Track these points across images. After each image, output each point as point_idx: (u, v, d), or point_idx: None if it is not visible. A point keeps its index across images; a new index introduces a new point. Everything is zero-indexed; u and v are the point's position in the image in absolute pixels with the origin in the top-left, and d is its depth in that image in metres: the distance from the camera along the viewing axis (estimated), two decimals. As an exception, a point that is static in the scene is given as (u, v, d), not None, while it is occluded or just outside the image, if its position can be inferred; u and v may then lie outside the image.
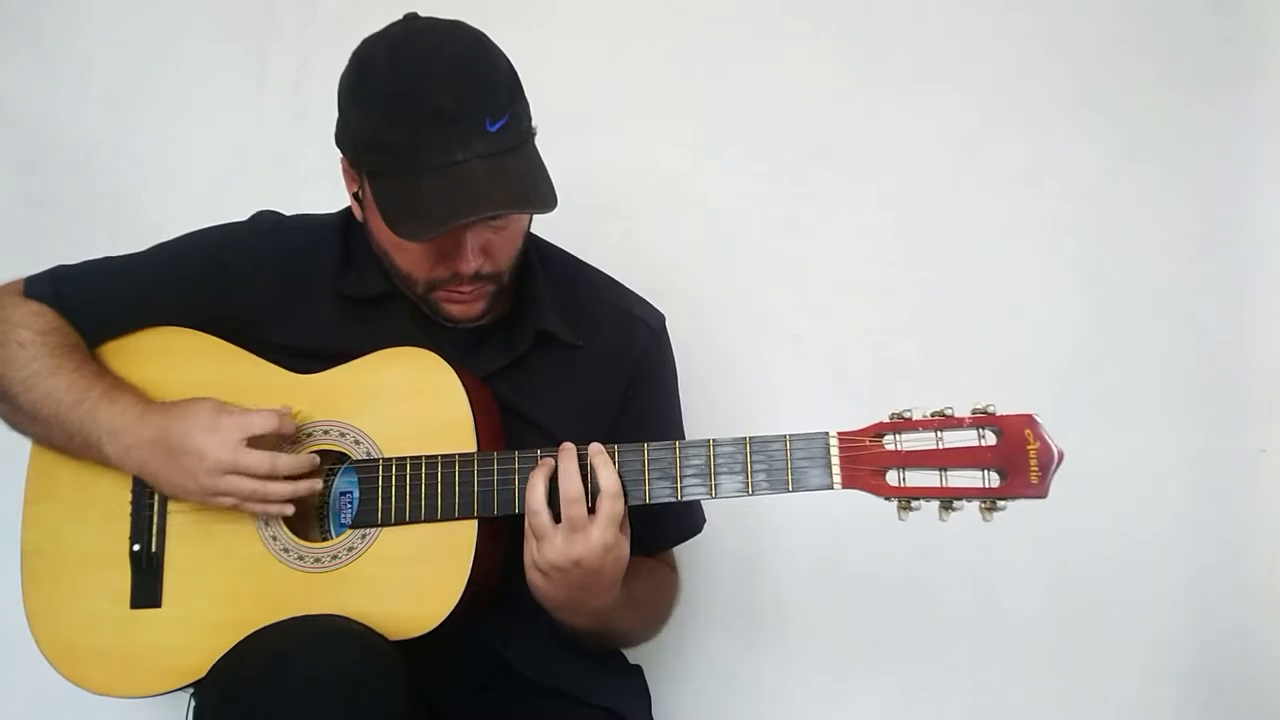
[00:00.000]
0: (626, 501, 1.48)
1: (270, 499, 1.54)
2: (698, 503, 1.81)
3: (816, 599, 2.13)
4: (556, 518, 1.46)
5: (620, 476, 1.48)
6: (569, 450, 1.49)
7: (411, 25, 1.53)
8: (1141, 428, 2.09)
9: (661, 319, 1.78)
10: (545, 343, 1.67)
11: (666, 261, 2.17)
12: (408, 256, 1.56)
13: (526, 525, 1.48)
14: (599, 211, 2.15)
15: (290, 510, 1.56)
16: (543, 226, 1.67)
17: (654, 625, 1.76)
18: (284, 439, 1.57)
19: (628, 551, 1.50)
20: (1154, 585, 2.05)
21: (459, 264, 1.53)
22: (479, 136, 1.46)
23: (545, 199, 1.48)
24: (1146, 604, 2.05)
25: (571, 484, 1.46)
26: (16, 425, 1.67)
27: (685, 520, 1.80)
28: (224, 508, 1.56)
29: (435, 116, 1.44)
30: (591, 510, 1.46)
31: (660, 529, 1.77)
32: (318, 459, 1.58)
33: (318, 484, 1.57)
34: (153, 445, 1.55)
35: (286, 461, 1.54)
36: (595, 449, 1.49)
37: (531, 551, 1.48)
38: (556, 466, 1.48)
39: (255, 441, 1.53)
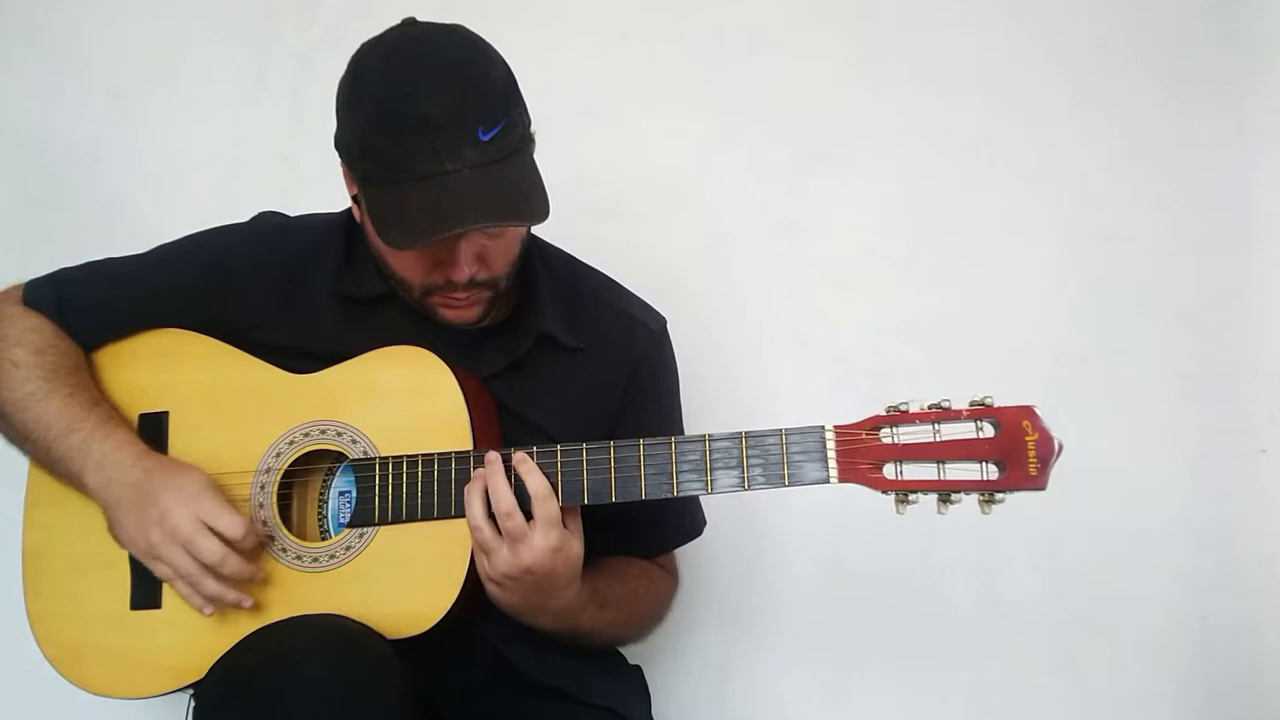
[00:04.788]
0: (560, 500, 1.48)
1: (200, 590, 1.53)
2: (698, 505, 1.81)
3: (816, 598, 2.12)
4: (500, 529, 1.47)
5: (549, 477, 1.48)
6: (494, 462, 1.49)
7: (407, 31, 1.52)
8: (1141, 428, 2.08)
9: (663, 322, 1.78)
10: (545, 345, 1.67)
11: (667, 262, 2.16)
12: (402, 262, 1.55)
13: (472, 541, 1.50)
14: (600, 212, 2.15)
15: (209, 611, 1.54)
16: (544, 228, 1.67)
17: (636, 626, 1.75)
18: (241, 552, 1.54)
19: (579, 550, 1.51)
20: (1154, 585, 2.05)
21: (452, 272, 1.53)
22: (470, 145, 1.44)
23: (536, 210, 1.48)
24: (1146, 604, 2.05)
25: (501, 498, 1.46)
26: (11, 442, 1.68)
27: (686, 522, 1.80)
28: (157, 573, 1.55)
29: (425, 125, 1.43)
30: (530, 516, 1.46)
31: (659, 531, 1.77)
32: (261, 571, 1.56)
33: (247, 600, 1.54)
34: (133, 487, 1.55)
35: (234, 565, 1.52)
36: (519, 457, 1.49)
37: (482, 565, 1.49)
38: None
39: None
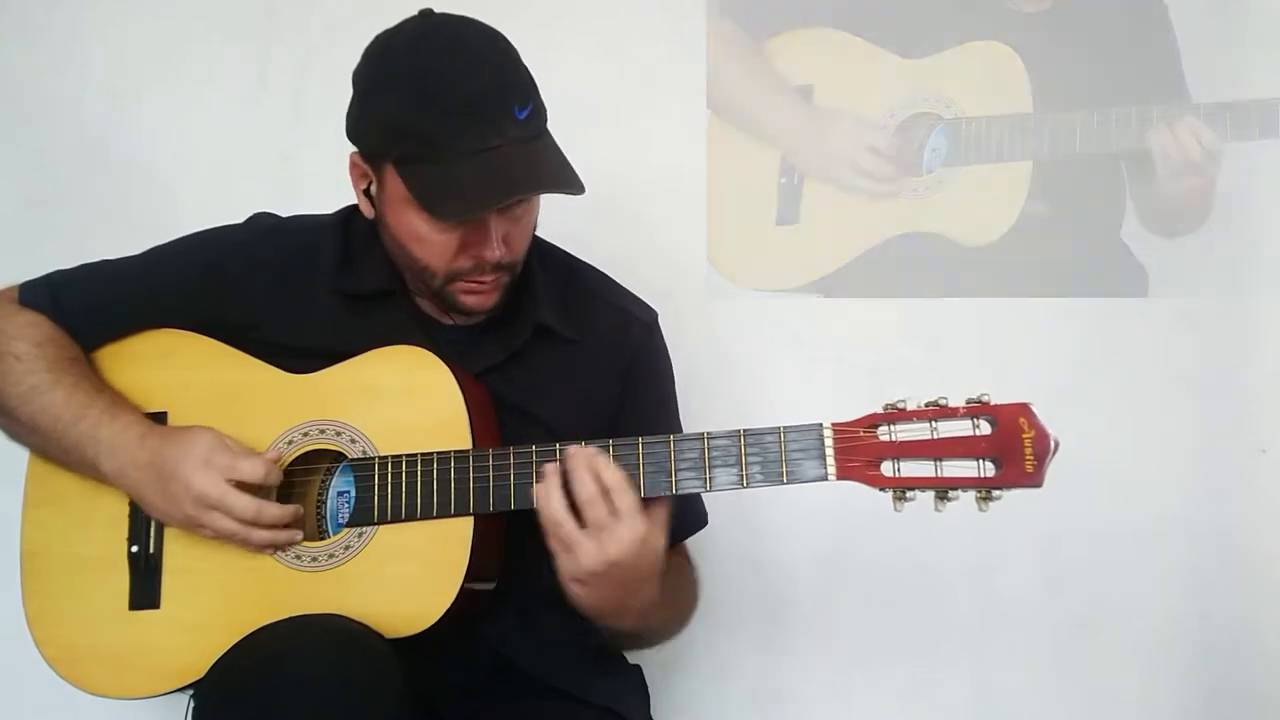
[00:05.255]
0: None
1: (251, 543, 1.55)
2: (699, 497, 1.81)
3: (816, 597, 2.12)
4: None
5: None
6: (575, 454, 1.47)
7: (427, 20, 1.55)
8: (1141, 427, 2.08)
9: (654, 314, 1.79)
10: (542, 337, 1.68)
11: (667, 262, 2.17)
12: (429, 248, 1.56)
13: (551, 540, 1.46)
14: (600, 212, 2.15)
15: (269, 554, 1.57)
16: (544, 227, 1.68)
17: (682, 619, 1.74)
18: (268, 489, 1.57)
19: (662, 543, 1.48)
20: (1154, 585, 2.05)
21: (485, 251, 1.54)
22: (510, 123, 1.48)
23: (575, 182, 1.51)
24: (1146, 603, 2.05)
25: (585, 487, 1.44)
26: (15, 436, 1.68)
27: (691, 515, 1.79)
28: (205, 536, 1.57)
29: (468, 103, 1.47)
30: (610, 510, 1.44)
31: (675, 524, 1.75)
32: (301, 510, 1.59)
33: (297, 535, 1.57)
34: (147, 468, 1.56)
35: (271, 512, 1.54)
36: (591, 451, 1.47)
37: (565, 564, 1.46)
38: (565, 472, 1.46)
39: (244, 484, 1.54)
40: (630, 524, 1.43)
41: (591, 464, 1.45)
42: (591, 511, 1.43)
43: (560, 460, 1.48)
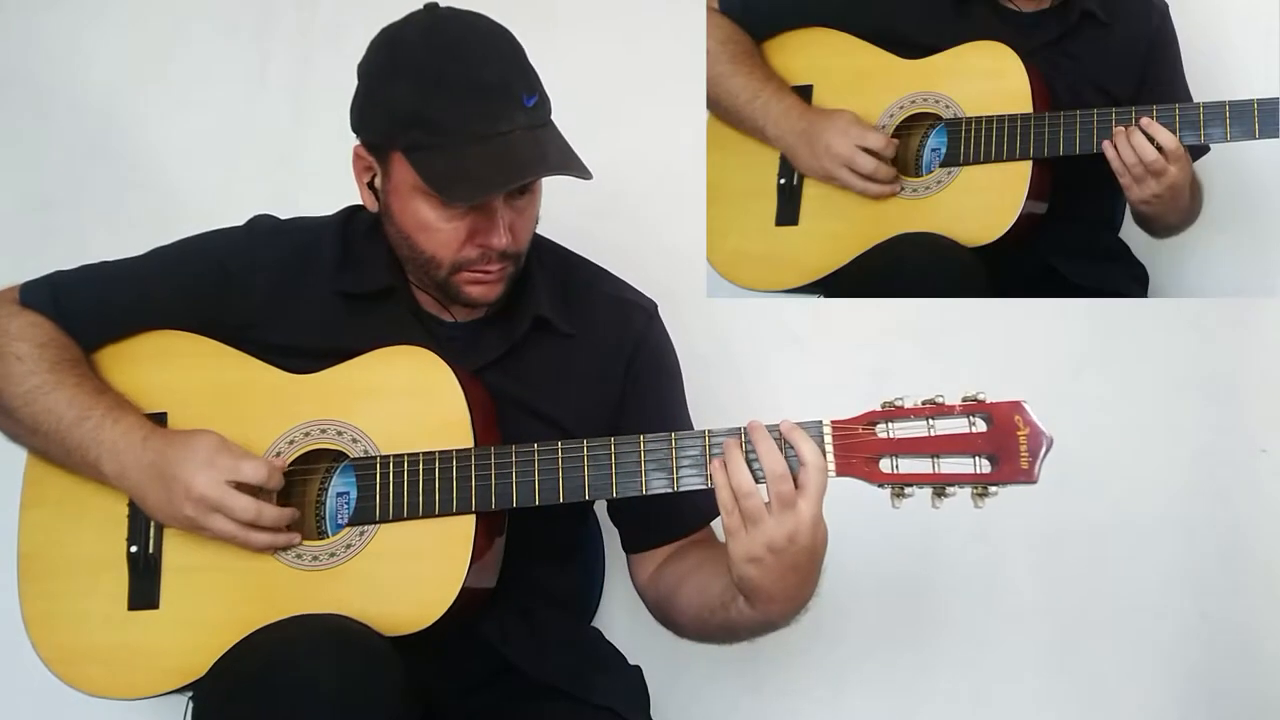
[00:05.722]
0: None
1: (250, 545, 1.55)
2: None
3: (815, 597, 2.12)
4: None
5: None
6: (760, 429, 1.44)
7: (437, 12, 1.57)
8: (1141, 427, 2.09)
9: (654, 305, 1.79)
10: (541, 330, 1.68)
11: (667, 261, 2.17)
12: (436, 237, 1.57)
13: (735, 514, 1.42)
14: (599, 210, 2.15)
15: (270, 553, 1.57)
16: (544, 225, 1.68)
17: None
18: (269, 492, 1.57)
19: (826, 532, 1.44)
20: (1154, 585, 2.05)
21: (492, 239, 1.55)
22: (518, 110, 1.50)
23: (583, 167, 1.53)
24: (1146, 603, 2.05)
25: (776, 461, 1.40)
26: (15, 437, 1.67)
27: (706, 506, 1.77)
28: (206, 537, 1.57)
29: (479, 89, 1.49)
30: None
31: (699, 502, 1.72)
32: (298, 513, 1.59)
33: (296, 537, 1.57)
34: (149, 469, 1.55)
35: (270, 515, 1.54)
36: (787, 425, 1.44)
37: (743, 540, 1.42)
38: (749, 445, 1.44)
39: (244, 487, 1.54)
40: (812, 503, 1.39)
41: (789, 437, 1.43)
42: (779, 486, 1.40)
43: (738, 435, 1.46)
